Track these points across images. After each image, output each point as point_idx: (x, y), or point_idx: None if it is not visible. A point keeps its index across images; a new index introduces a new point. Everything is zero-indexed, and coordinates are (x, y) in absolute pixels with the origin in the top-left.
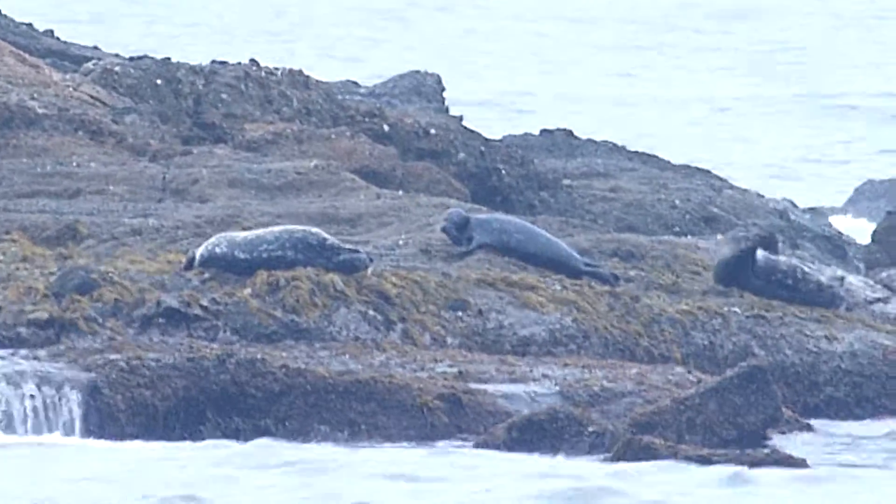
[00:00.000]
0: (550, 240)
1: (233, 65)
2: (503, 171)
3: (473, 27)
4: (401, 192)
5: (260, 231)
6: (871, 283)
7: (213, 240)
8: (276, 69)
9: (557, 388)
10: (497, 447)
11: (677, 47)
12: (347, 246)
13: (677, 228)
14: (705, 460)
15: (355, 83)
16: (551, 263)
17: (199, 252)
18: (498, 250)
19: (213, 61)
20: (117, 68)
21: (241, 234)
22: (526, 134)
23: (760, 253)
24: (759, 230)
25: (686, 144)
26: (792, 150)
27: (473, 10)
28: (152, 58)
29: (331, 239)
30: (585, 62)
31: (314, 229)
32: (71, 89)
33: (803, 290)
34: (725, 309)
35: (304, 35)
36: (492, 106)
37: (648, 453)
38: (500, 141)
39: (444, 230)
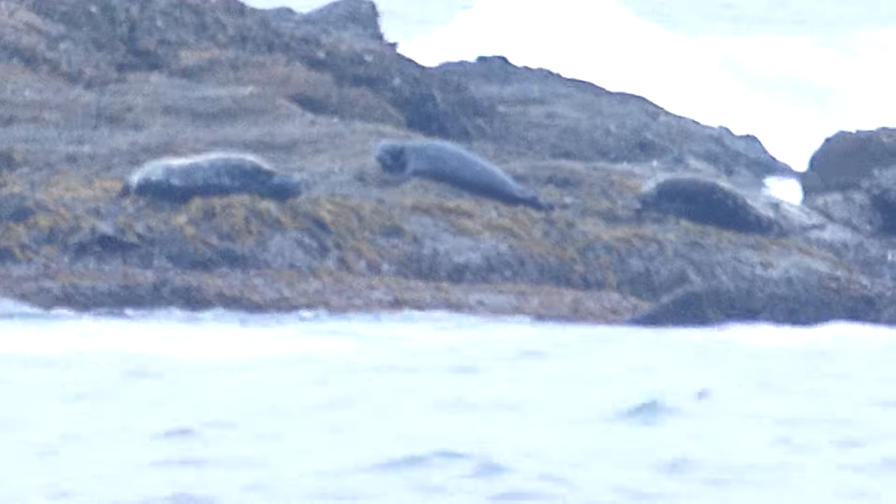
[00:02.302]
0: (486, 166)
1: None
2: (438, 98)
3: None
4: (336, 119)
5: (195, 158)
6: (807, 209)
7: (149, 166)
8: None
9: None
10: None
11: None
12: (283, 173)
13: (612, 155)
14: None
15: (290, 10)
16: (487, 190)
17: (136, 178)
18: (433, 177)
19: None
20: None
21: (176, 161)
22: (461, 61)
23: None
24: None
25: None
26: None
27: None
28: None
29: (265, 165)
30: None
31: (249, 156)
32: (5, 16)
33: (743, 216)
34: (661, 235)
35: None
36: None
37: None
38: (435, 67)
39: (378, 159)
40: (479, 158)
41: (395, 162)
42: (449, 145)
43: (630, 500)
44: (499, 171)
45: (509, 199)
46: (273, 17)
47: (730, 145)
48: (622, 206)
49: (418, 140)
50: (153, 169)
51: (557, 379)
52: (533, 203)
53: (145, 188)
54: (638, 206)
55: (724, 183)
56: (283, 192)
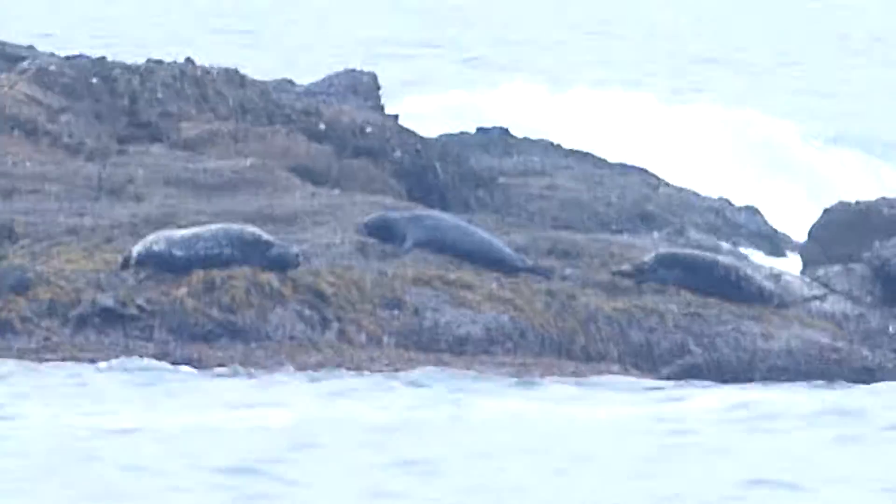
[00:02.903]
0: (484, 236)
1: (168, 63)
2: (439, 170)
3: None
4: (337, 191)
5: (197, 229)
6: (808, 280)
7: (150, 237)
8: (212, 67)
9: None
10: None
11: None
12: (281, 243)
13: (613, 226)
14: None
15: (291, 81)
16: (487, 260)
17: (137, 249)
18: (432, 248)
19: (149, 60)
20: (52, 67)
21: (178, 232)
22: (462, 133)
23: (696, 252)
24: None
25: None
26: None
27: None
28: (88, 56)
29: (265, 235)
30: None
31: (250, 226)
32: (6, 88)
33: (744, 288)
34: (662, 307)
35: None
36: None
37: None
38: (436, 139)
39: (358, 232)
40: (477, 228)
41: (381, 234)
42: (448, 216)
43: None
44: (496, 241)
45: (508, 268)
46: (274, 89)
47: (730, 217)
48: (614, 271)
49: (412, 211)
50: (156, 239)
51: None
52: (532, 271)
53: (147, 258)
54: (628, 269)
55: (724, 257)
56: (281, 263)
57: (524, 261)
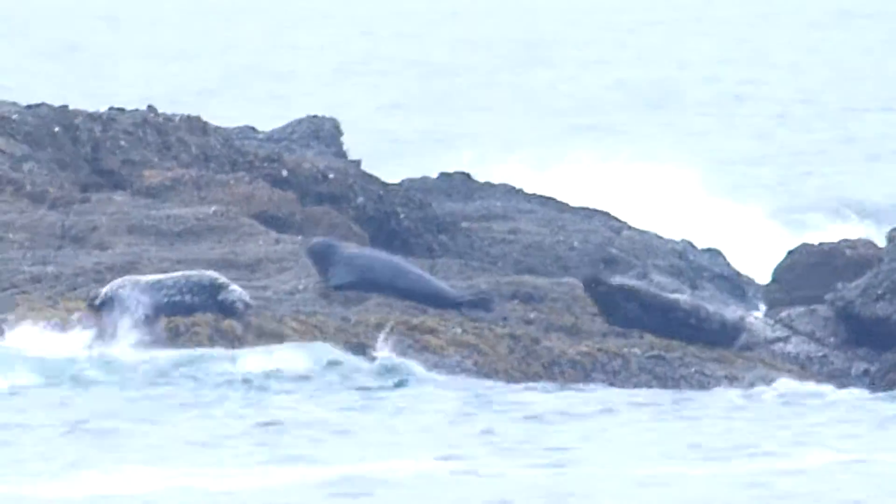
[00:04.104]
0: (421, 275)
1: (130, 111)
2: (402, 215)
3: None
4: (300, 237)
5: (161, 275)
6: (772, 322)
7: (117, 281)
8: (174, 115)
9: None
10: None
11: None
12: (233, 288)
13: (577, 270)
14: None
15: (253, 128)
16: (424, 298)
17: (104, 291)
18: (363, 289)
19: (111, 108)
20: (15, 116)
21: (144, 278)
22: (424, 177)
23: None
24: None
25: None
26: None
27: None
28: (50, 105)
29: (222, 279)
30: None
31: (209, 272)
32: None
33: (706, 329)
34: (625, 350)
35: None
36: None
37: None
38: (398, 184)
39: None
40: (415, 267)
41: (318, 262)
42: (383, 255)
43: None
44: (433, 278)
45: (450, 304)
46: (236, 136)
47: (693, 259)
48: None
49: (356, 249)
50: (123, 283)
51: None
52: (474, 304)
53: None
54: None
55: (685, 297)
56: (222, 310)
57: (463, 295)
